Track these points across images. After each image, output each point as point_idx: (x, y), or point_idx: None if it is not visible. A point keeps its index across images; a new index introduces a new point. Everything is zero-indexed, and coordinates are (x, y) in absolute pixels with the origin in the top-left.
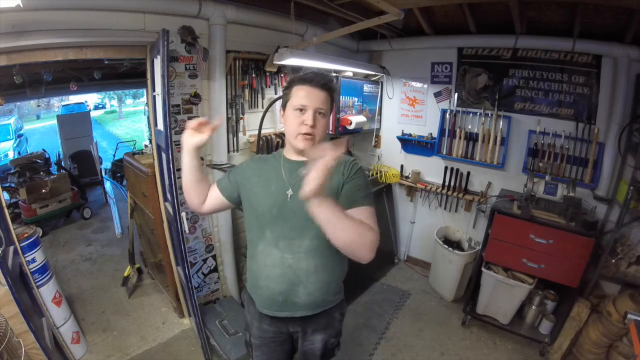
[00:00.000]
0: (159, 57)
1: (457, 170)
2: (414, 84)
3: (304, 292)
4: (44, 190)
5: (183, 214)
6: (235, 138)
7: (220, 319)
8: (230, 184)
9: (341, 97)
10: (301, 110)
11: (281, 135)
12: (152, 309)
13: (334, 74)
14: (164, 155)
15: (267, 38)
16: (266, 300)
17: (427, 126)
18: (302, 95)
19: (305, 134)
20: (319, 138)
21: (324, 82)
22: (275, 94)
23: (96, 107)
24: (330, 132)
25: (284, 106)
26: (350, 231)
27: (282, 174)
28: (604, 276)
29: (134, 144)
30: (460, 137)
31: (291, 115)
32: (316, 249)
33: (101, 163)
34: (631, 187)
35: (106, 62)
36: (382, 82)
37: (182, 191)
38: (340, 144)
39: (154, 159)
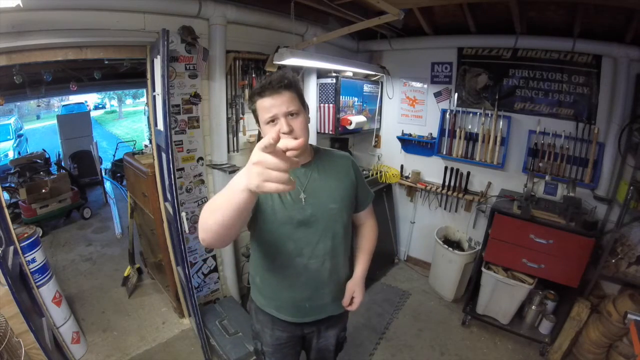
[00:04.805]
0: (159, 57)
1: (457, 170)
2: (414, 84)
3: (328, 292)
4: (44, 190)
5: (183, 214)
6: (235, 138)
7: (220, 319)
8: None
9: (341, 97)
10: (273, 121)
11: None
12: (152, 309)
13: (334, 74)
14: (164, 155)
15: (267, 38)
16: (290, 309)
17: (427, 126)
18: (266, 106)
19: None
20: (303, 137)
21: (281, 83)
22: None
23: (96, 107)
24: (331, 132)
25: (258, 123)
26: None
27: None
28: (604, 276)
29: (134, 144)
30: (460, 137)
31: (267, 129)
32: (334, 249)
33: (101, 163)
34: (631, 187)
35: (106, 62)
36: (382, 82)
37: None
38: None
39: (154, 159)
